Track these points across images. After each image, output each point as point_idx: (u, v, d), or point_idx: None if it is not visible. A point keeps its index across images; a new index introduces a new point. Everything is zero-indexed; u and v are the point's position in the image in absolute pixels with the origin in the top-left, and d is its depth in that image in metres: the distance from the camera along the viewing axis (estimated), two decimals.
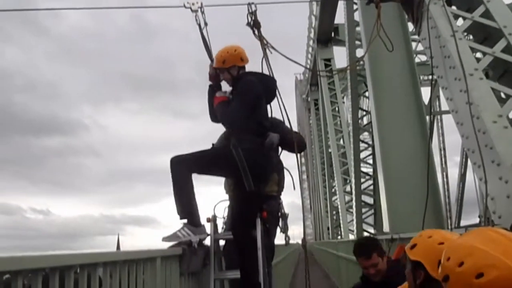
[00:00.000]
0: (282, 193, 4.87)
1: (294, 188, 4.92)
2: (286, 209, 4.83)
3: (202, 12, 4.99)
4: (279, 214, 4.74)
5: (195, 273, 4.21)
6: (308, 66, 28.31)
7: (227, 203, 4.71)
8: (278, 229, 4.85)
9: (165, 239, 4.00)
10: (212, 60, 4.71)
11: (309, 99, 37.96)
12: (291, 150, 4.70)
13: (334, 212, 28.37)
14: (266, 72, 4.66)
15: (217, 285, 4.40)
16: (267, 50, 4.86)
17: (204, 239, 4.21)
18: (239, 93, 4.38)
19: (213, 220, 4.41)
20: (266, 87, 4.47)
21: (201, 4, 5.03)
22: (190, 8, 5.01)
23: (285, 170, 4.87)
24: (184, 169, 4.14)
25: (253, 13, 4.89)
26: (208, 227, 4.33)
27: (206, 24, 4.95)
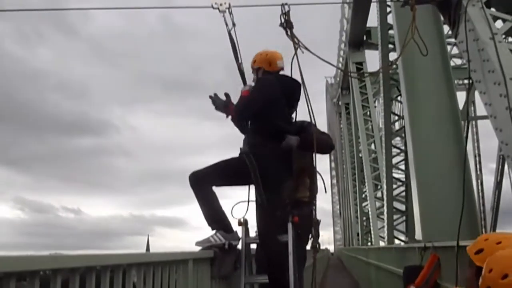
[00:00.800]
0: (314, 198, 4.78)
1: (326, 191, 4.86)
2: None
3: (230, 13, 4.90)
4: (311, 220, 4.65)
5: (225, 277, 4.19)
6: (339, 72, 28.12)
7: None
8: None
9: (198, 243, 3.98)
10: (238, 63, 4.72)
11: (340, 103, 37.67)
12: (317, 151, 4.52)
13: (365, 218, 28.02)
14: (296, 72, 4.60)
15: None
16: (298, 51, 4.77)
17: (237, 244, 4.19)
18: (253, 89, 4.42)
19: (244, 224, 4.38)
20: (287, 89, 4.42)
21: (229, 4, 4.93)
22: (218, 9, 4.91)
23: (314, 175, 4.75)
24: (202, 184, 4.11)
25: (286, 14, 4.83)
26: (240, 232, 4.31)
27: (234, 25, 4.87)
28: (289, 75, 4.54)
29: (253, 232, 4.51)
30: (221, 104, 4.34)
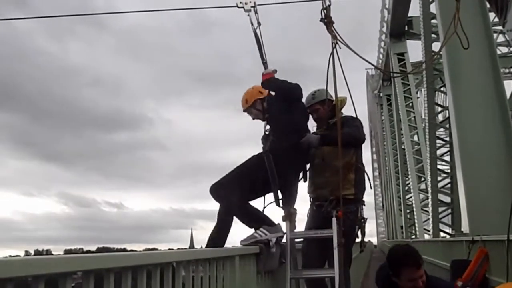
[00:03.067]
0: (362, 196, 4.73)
1: (371, 187, 4.81)
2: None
3: (256, 12, 4.81)
4: (356, 218, 4.59)
5: (271, 272, 4.21)
6: (380, 64, 27.63)
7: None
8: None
9: (243, 241, 4.00)
10: (264, 63, 4.74)
11: (381, 94, 37.20)
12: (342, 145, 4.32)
13: (408, 211, 27.66)
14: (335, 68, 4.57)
15: (292, 284, 4.39)
16: (337, 46, 4.68)
17: (282, 238, 4.20)
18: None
19: (288, 218, 4.39)
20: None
21: (254, 3, 4.83)
22: (243, 8, 4.81)
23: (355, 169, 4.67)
24: (229, 205, 4.10)
25: (326, 9, 4.67)
26: (284, 226, 4.31)
27: (259, 24, 4.79)
28: (328, 70, 4.51)
29: (299, 226, 4.52)
30: None
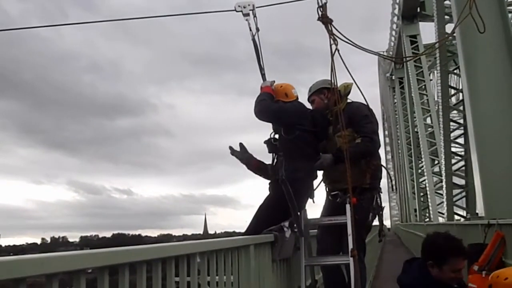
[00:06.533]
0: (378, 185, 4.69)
1: (393, 190, 4.80)
2: None
3: (254, 16, 4.71)
4: (371, 208, 4.53)
5: (286, 259, 4.21)
6: (392, 46, 27.35)
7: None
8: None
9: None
10: (263, 74, 4.69)
11: (393, 77, 36.97)
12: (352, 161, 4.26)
13: (422, 194, 27.57)
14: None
15: (307, 271, 4.39)
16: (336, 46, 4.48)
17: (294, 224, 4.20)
18: (291, 104, 4.50)
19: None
20: (317, 120, 4.50)
21: (253, 6, 4.72)
22: (241, 12, 4.72)
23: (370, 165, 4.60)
24: None
25: (322, 7, 4.39)
26: None
27: (258, 30, 4.70)
28: (332, 73, 4.39)
29: (311, 214, 4.51)
30: (244, 159, 4.58)
